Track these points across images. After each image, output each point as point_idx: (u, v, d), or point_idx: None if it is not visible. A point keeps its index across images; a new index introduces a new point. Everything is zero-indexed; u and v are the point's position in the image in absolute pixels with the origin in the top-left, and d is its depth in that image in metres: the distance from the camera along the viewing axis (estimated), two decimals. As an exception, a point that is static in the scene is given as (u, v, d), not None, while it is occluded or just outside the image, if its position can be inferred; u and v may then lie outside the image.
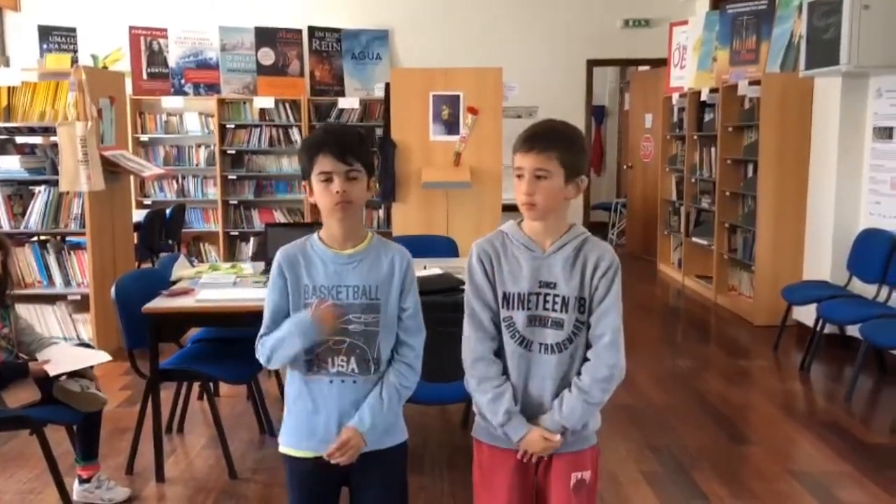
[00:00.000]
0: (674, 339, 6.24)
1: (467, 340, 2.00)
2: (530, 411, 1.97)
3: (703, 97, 7.22)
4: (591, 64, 8.93)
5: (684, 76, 7.97)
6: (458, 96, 5.44)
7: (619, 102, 11.85)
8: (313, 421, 2.00)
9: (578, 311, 1.95)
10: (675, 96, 8.04)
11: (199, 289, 3.66)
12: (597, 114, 11.58)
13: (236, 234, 8.60)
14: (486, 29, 8.64)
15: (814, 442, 3.97)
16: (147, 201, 8.38)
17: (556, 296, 1.95)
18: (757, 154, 6.18)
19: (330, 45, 8.56)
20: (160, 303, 3.43)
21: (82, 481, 3.26)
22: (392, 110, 5.54)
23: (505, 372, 1.98)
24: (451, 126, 5.47)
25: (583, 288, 1.95)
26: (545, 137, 1.91)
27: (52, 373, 3.00)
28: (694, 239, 7.59)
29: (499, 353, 2.00)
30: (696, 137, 7.56)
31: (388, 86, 5.64)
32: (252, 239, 8.56)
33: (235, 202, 8.55)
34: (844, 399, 4.53)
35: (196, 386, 4.19)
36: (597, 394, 1.94)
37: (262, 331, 2.03)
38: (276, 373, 4.48)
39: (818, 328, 5.07)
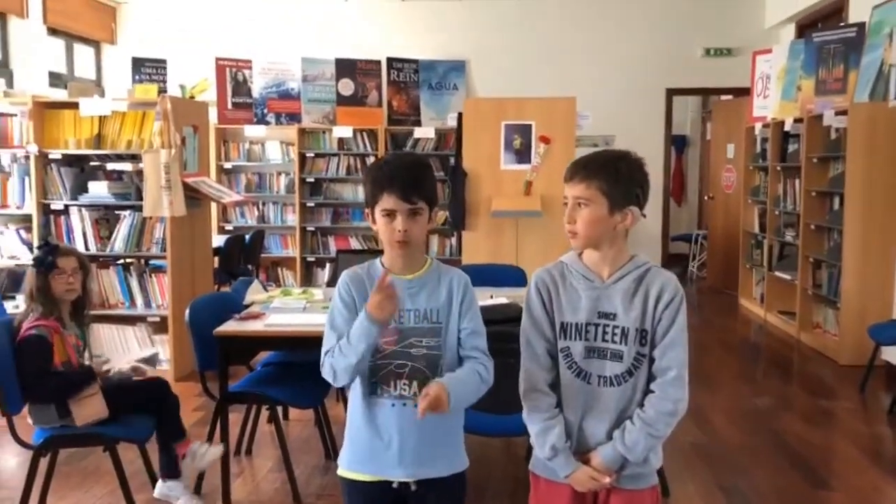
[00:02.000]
0: (753, 377, 6.01)
1: (522, 371, 1.97)
2: (586, 445, 1.93)
3: (787, 127, 7.00)
4: (671, 93, 8.79)
5: (767, 106, 7.76)
6: (529, 126, 5.42)
7: (701, 132, 11.62)
8: (374, 444, 2.00)
9: (640, 344, 1.90)
10: (758, 126, 7.83)
11: (269, 313, 3.72)
12: (678, 143, 11.38)
13: (313, 259, 8.76)
14: (563, 58, 8.62)
15: (902, 491, 3.75)
16: (229, 227, 8.63)
17: (615, 327, 1.90)
18: (843, 186, 5.94)
19: (408, 76, 8.70)
20: (231, 326, 3.50)
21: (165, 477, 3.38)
22: (464, 139, 5.57)
23: (560, 404, 1.94)
24: (523, 155, 5.45)
25: (644, 319, 1.90)
26: (587, 167, 1.90)
27: (111, 367, 3.11)
28: (777, 273, 7.33)
29: (555, 385, 1.96)
30: (779, 168, 7.34)
31: (460, 116, 5.67)
32: (328, 265, 8.70)
33: (313, 229, 8.73)
34: (937, 446, 4.27)
35: (265, 409, 4.25)
36: (661, 428, 1.88)
37: (324, 348, 2.02)
38: (344, 398, 4.52)
39: (909, 369, 4.81)
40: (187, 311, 3.57)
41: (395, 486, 2.00)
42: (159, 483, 3.43)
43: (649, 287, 1.91)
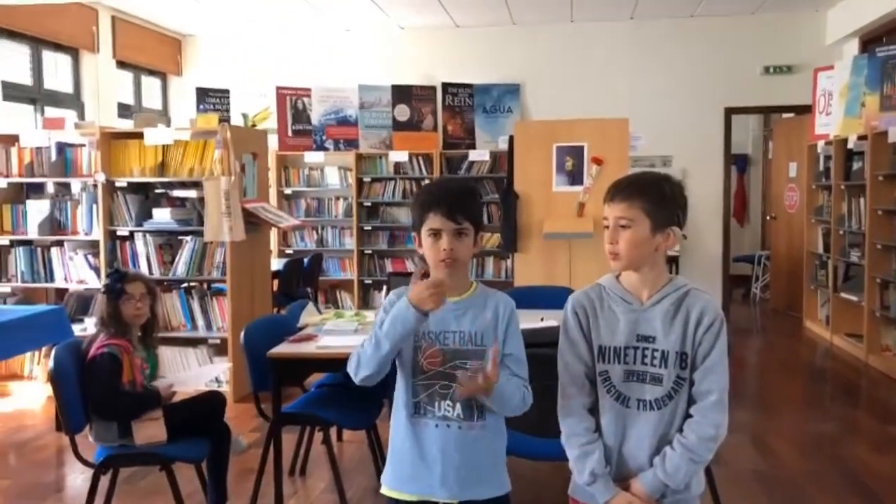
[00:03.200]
0: (818, 401, 5.83)
1: (560, 395, 1.97)
2: (626, 471, 1.91)
3: (850, 145, 6.83)
4: (730, 112, 8.65)
5: (830, 123, 7.58)
6: (581, 147, 5.41)
7: (763, 151, 11.40)
8: (417, 464, 2.01)
9: (680, 367, 1.88)
10: (821, 144, 7.64)
11: (322, 335, 3.79)
12: (739, 163, 11.18)
13: (370, 282, 8.86)
14: (618, 78, 8.58)
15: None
16: (288, 250, 8.80)
17: (654, 350, 1.89)
18: (911, 204, 5.76)
19: (462, 101, 8.77)
20: (283, 348, 3.57)
21: None
22: (515, 162, 5.59)
23: (598, 429, 1.93)
24: (575, 177, 5.44)
25: (685, 343, 1.88)
26: (629, 187, 1.90)
27: (177, 389, 3.20)
28: (842, 294, 7.11)
29: (593, 409, 1.95)
30: (843, 187, 7.15)
31: (511, 138, 5.70)
32: (385, 287, 8.78)
33: (370, 251, 8.83)
34: None
35: (317, 430, 4.30)
36: (703, 453, 1.86)
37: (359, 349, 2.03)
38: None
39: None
40: (242, 334, 3.66)
41: None
42: None
43: (690, 309, 1.89)
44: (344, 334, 3.84)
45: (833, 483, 4.04)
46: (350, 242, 8.82)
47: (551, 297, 4.39)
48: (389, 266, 8.85)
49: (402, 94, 8.74)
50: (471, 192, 2.07)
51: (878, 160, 6.35)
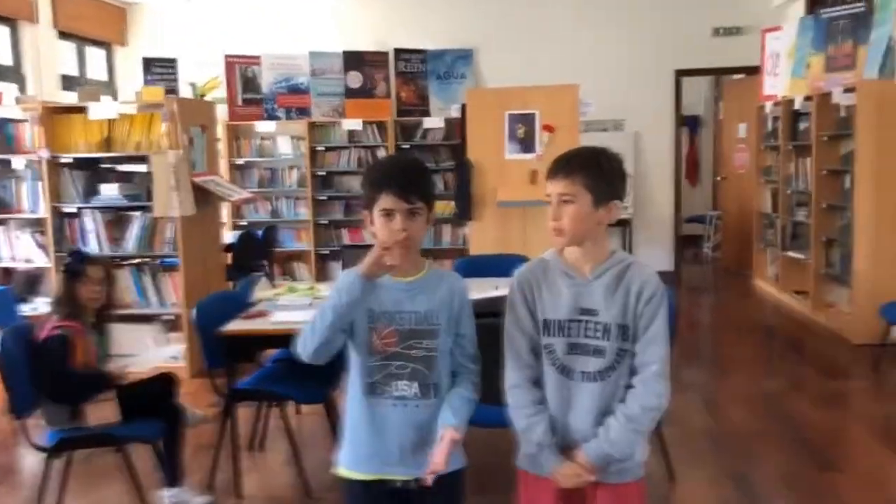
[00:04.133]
0: (766, 359, 5.99)
1: (506, 368, 2.00)
2: (570, 440, 1.96)
3: (797, 105, 6.94)
4: (680, 74, 8.72)
5: (778, 84, 7.69)
6: (533, 115, 5.42)
7: (714, 112, 11.53)
8: (375, 444, 2.02)
9: (621, 339, 1.92)
10: (769, 105, 7.76)
11: (275, 311, 3.78)
12: (690, 124, 11.31)
13: (327, 252, 8.82)
14: (570, 43, 8.56)
15: (911, 471, 3.75)
16: (242, 222, 8.70)
17: (596, 323, 1.92)
18: (854, 164, 5.89)
19: (415, 66, 8.70)
20: (235, 325, 3.56)
21: (169, 485, 3.44)
22: (468, 130, 5.58)
23: (544, 401, 1.97)
24: (527, 144, 5.45)
25: (626, 315, 1.92)
26: (569, 163, 1.92)
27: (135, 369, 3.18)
28: (790, 253, 7.29)
29: (538, 381, 1.99)
30: (790, 148, 7.28)
31: (464, 107, 5.68)
32: (342, 259, 8.75)
33: (325, 222, 8.77)
34: (948, 425, 4.25)
35: (267, 404, 4.29)
36: (645, 422, 1.92)
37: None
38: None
39: (920, 348, 4.78)
40: (193, 312, 3.64)
41: (397, 484, 2.03)
42: (164, 493, 3.44)
43: (630, 283, 1.93)
44: (298, 309, 3.83)
45: (780, 440, 4.17)
46: (305, 213, 8.75)
47: (506, 265, 4.38)
48: (346, 236, 8.81)
49: (353, 60, 8.64)
50: (423, 170, 2.06)
51: (822, 121, 6.47)
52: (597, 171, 1.90)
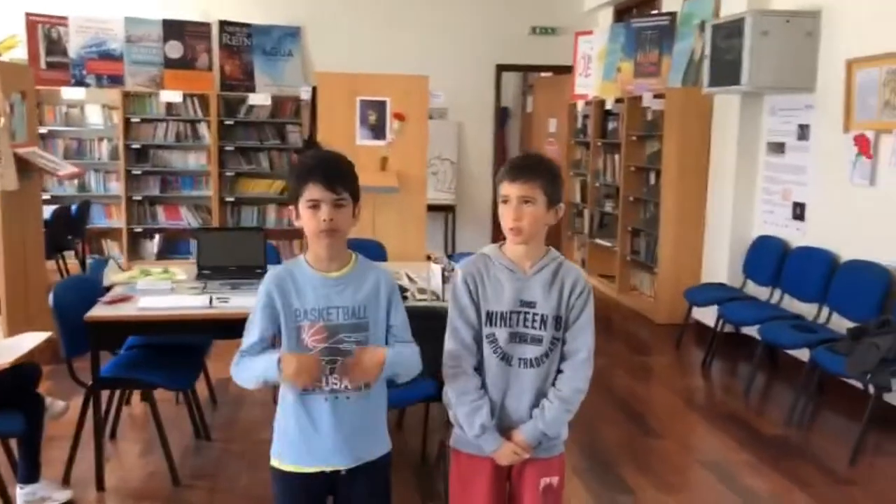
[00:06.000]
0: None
1: (449, 356, 2.13)
2: (508, 422, 2.14)
3: (608, 106, 7.58)
4: (500, 69, 9.17)
5: (589, 84, 8.32)
6: (384, 102, 5.53)
7: (522, 105, 12.18)
8: (312, 438, 2.07)
9: (555, 329, 2.13)
10: (580, 104, 8.38)
11: (137, 295, 3.63)
12: (500, 115, 11.87)
13: (140, 230, 8.38)
14: (398, 30, 8.72)
15: (718, 434, 4.33)
16: (46, 196, 8.00)
17: (535, 314, 2.11)
18: (659, 162, 6.58)
19: (240, 41, 8.44)
20: (102, 311, 3.39)
21: (25, 482, 3.22)
22: (319, 113, 5.58)
23: (483, 386, 2.14)
24: (378, 131, 5.56)
25: (560, 307, 2.13)
26: (528, 168, 2.07)
27: None
28: (597, 240, 7.97)
29: (478, 368, 2.15)
30: (600, 144, 7.93)
31: (314, 89, 5.67)
32: (157, 236, 8.36)
33: (139, 198, 8.33)
34: (744, 394, 4.94)
35: (119, 393, 4.10)
36: (575, 403, 2.15)
37: (243, 347, 2.08)
38: (207, 378, 4.48)
39: (718, 328, 5.48)
40: (51, 297, 3.43)
41: (327, 472, 2.09)
42: (18, 491, 3.22)
43: (564, 278, 2.14)
44: (161, 294, 3.72)
45: (607, 409, 4.64)
46: (117, 188, 8.25)
47: (360, 249, 4.49)
48: (162, 213, 8.42)
49: (174, 29, 8.23)
50: (348, 164, 2.11)
51: (632, 122, 7.14)
52: (550, 177, 2.07)
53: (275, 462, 2.14)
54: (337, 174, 2.02)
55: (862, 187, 4.70)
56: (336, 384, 2.06)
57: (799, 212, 5.35)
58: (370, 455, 2.13)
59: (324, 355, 2.04)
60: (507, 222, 2.07)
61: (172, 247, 8.46)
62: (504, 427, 2.14)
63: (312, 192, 1.99)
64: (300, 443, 2.09)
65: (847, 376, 4.14)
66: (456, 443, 2.21)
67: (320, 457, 2.08)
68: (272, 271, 2.12)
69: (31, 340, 3.13)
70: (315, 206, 1.99)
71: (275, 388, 2.16)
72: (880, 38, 4.54)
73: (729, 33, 5.39)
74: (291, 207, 2.08)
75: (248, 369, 2.05)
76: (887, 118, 4.49)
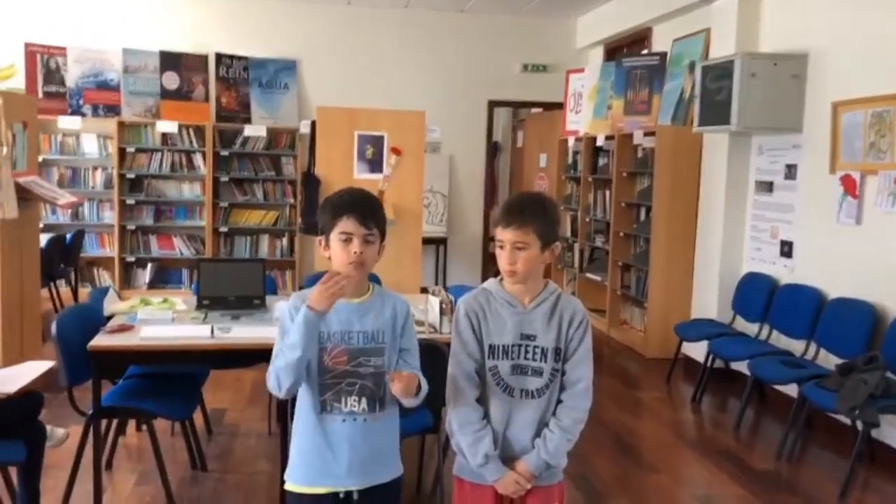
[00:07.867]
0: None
1: (454, 389, 2.20)
2: (510, 451, 2.20)
3: (599, 143, 7.71)
4: (493, 104, 9.32)
5: (580, 121, 8.47)
6: (382, 137, 5.63)
7: (513, 139, 12.35)
8: (327, 459, 2.14)
9: (555, 360, 2.20)
10: (571, 139, 8.52)
11: (138, 325, 3.66)
12: (490, 150, 12.02)
13: (132, 260, 8.40)
14: (392, 64, 8.86)
15: (710, 468, 4.38)
16: (39, 224, 8.03)
17: (536, 347, 2.19)
18: (650, 199, 6.69)
19: (237, 73, 8.55)
20: (104, 340, 3.42)
21: None
22: (317, 146, 5.67)
23: (487, 417, 2.19)
24: (375, 165, 5.65)
25: (559, 339, 2.20)
26: (521, 213, 2.15)
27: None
28: (588, 274, 8.05)
29: (480, 399, 2.21)
30: (590, 180, 8.05)
31: (314, 123, 5.77)
32: (149, 265, 8.39)
33: (133, 227, 8.36)
34: (734, 428, 5.00)
35: (116, 423, 4.11)
36: (576, 433, 2.21)
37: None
38: (203, 409, 4.50)
39: (708, 363, 5.55)
40: (54, 326, 3.45)
41: (341, 495, 2.15)
42: None
43: (563, 311, 2.21)
44: (161, 323, 3.75)
45: (601, 443, 4.68)
46: (110, 216, 8.28)
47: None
48: (155, 243, 8.45)
49: (171, 60, 8.34)
50: (379, 204, 2.24)
51: (623, 159, 7.26)
52: (544, 219, 2.15)
53: (289, 485, 2.20)
54: (371, 212, 2.15)
55: (848, 226, 4.82)
56: (354, 406, 2.14)
57: (787, 249, 5.46)
58: (382, 478, 2.20)
59: (344, 377, 2.13)
60: (502, 265, 2.16)
61: (164, 276, 8.50)
62: (506, 457, 2.19)
63: (346, 225, 2.10)
64: (315, 463, 2.15)
65: (836, 412, 4.21)
66: (459, 471, 2.27)
67: (334, 478, 2.14)
68: (296, 295, 2.19)
69: (33, 369, 3.16)
70: (348, 239, 2.10)
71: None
72: (865, 81, 4.69)
73: (718, 74, 5.53)
74: (320, 238, 2.18)
75: (281, 351, 2.07)
76: (872, 160, 4.62)
